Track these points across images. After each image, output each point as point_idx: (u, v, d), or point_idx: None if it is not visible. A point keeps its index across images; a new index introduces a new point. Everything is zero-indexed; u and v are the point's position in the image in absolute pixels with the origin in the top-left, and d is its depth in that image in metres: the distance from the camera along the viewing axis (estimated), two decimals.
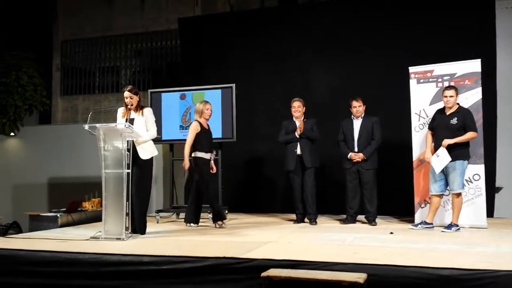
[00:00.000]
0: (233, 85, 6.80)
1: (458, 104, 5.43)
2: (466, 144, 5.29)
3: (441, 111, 5.50)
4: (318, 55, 7.50)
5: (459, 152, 5.24)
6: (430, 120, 5.68)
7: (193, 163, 5.76)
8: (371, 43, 7.20)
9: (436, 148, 5.41)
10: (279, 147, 6.32)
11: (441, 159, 5.27)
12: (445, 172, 5.32)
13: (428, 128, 5.63)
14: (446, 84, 5.83)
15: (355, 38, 7.31)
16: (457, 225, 5.21)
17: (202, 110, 5.89)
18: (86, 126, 4.74)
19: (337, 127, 6.19)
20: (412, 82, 6.05)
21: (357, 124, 6.03)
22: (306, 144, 6.03)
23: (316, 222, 6.00)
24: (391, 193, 6.56)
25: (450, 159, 5.20)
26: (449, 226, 5.22)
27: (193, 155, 5.77)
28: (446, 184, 5.37)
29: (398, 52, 6.93)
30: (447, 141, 5.22)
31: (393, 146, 6.36)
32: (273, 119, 7.03)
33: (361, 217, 6.10)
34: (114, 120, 5.22)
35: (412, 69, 6.08)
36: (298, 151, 6.03)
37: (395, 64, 6.62)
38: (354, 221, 6.03)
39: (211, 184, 5.92)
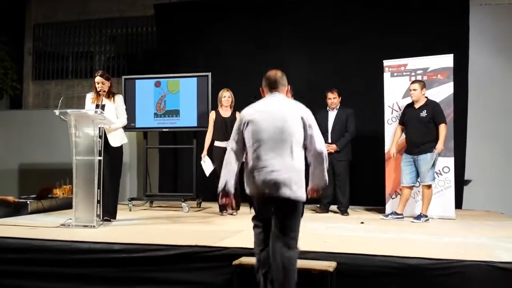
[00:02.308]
0: (209, 74, 6.75)
1: (426, 97, 5.54)
2: (434, 138, 5.40)
3: (410, 105, 5.61)
4: (295, 46, 7.49)
5: (430, 145, 5.34)
6: (400, 115, 5.77)
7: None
8: (348, 36, 7.22)
9: (408, 141, 5.50)
10: None
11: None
12: (416, 164, 5.42)
13: (399, 122, 5.73)
14: (419, 78, 5.92)
15: (333, 31, 7.32)
16: (426, 216, 5.33)
17: (220, 98, 6.06)
18: (57, 112, 4.64)
19: None
20: (386, 75, 6.12)
21: (331, 115, 6.09)
22: None
23: None
24: (364, 184, 6.66)
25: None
26: (418, 217, 5.33)
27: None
28: (417, 176, 5.48)
29: (374, 46, 6.97)
30: (439, 148, 5.31)
31: (366, 138, 6.44)
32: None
33: (333, 207, 6.17)
34: (83, 106, 5.13)
35: (386, 63, 6.15)
36: None
37: (371, 57, 6.66)
38: (327, 211, 6.11)
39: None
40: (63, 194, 6.73)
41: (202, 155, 6.06)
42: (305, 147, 3.01)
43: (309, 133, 2.98)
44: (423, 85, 5.52)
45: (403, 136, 5.67)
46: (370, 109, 6.64)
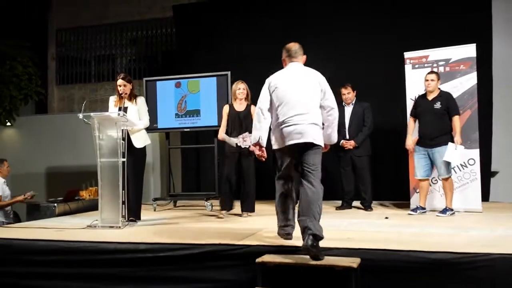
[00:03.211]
0: (228, 73, 6.78)
1: (439, 88, 5.46)
2: (450, 130, 5.32)
3: (423, 97, 5.53)
4: (314, 43, 7.42)
5: (444, 138, 5.27)
6: (412, 107, 5.67)
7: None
8: (367, 29, 7.16)
9: (422, 134, 5.43)
10: None
11: (455, 153, 5.24)
12: (431, 157, 5.35)
13: (411, 114, 5.63)
14: (441, 69, 5.84)
15: (350, 25, 7.27)
16: (451, 209, 5.25)
17: (234, 91, 5.65)
18: (81, 115, 4.72)
19: None
20: (407, 68, 6.04)
21: (348, 111, 6.04)
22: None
23: None
24: (387, 178, 6.60)
25: (457, 159, 5.25)
26: (444, 211, 5.25)
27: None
28: (432, 169, 5.40)
29: (394, 38, 6.89)
30: (459, 141, 5.20)
31: (388, 131, 6.38)
32: None
33: (357, 203, 6.13)
34: (107, 109, 5.21)
35: (407, 55, 6.06)
36: None
37: (391, 50, 6.59)
38: (350, 207, 6.07)
39: (229, 173, 5.47)
40: (89, 196, 6.87)
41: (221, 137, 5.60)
42: (321, 107, 3.66)
43: (325, 95, 3.67)
44: (439, 76, 5.44)
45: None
46: (391, 102, 6.56)
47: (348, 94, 6.01)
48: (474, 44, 5.73)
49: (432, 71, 5.58)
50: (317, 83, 3.67)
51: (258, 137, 3.73)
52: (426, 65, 5.95)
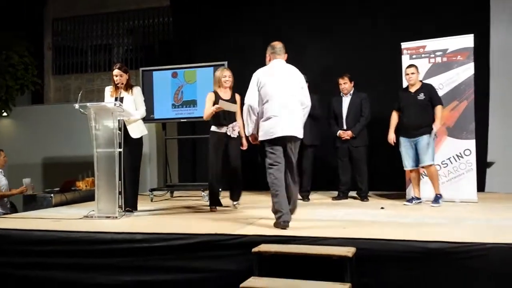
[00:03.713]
0: (225, 63, 6.70)
1: (421, 81, 5.54)
2: (432, 120, 5.38)
3: (405, 90, 5.57)
4: (312, 34, 7.43)
5: (428, 129, 5.33)
6: (396, 101, 5.67)
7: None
8: (365, 20, 7.14)
9: (406, 125, 5.47)
10: None
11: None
12: (416, 147, 5.41)
13: (395, 108, 5.65)
14: (438, 59, 5.84)
15: (348, 16, 7.25)
16: (440, 195, 5.31)
17: (219, 78, 5.32)
18: (77, 105, 4.72)
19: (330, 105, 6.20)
20: (405, 58, 6.02)
21: (346, 101, 6.05)
22: (306, 121, 5.98)
23: (309, 199, 6.05)
24: (384, 169, 6.60)
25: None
26: (436, 200, 5.28)
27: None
28: (419, 158, 5.45)
29: (392, 28, 6.88)
30: (437, 126, 5.33)
31: (385, 122, 6.35)
32: None
33: (353, 193, 6.15)
34: (103, 99, 5.19)
35: (404, 45, 6.05)
36: None
37: (389, 40, 6.57)
38: (346, 197, 6.09)
39: (216, 163, 5.26)
40: (85, 186, 6.87)
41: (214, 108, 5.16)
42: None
43: (303, 91, 4.07)
44: (417, 68, 5.52)
45: None
46: (388, 92, 6.53)
47: (345, 84, 6.01)
48: (472, 35, 5.72)
49: (411, 64, 5.63)
50: (298, 80, 4.06)
51: (251, 130, 4.08)
52: (423, 55, 5.94)
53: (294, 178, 4.05)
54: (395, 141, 5.60)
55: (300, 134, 4.02)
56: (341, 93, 6.07)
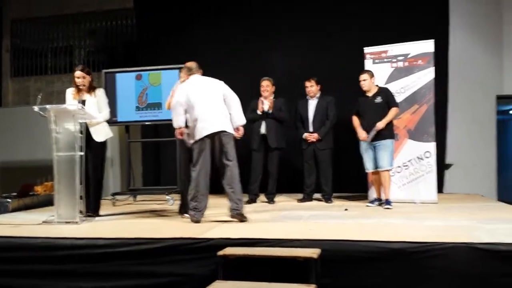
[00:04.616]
0: None
1: (377, 85, 5.67)
2: (392, 124, 5.52)
3: (364, 95, 5.67)
4: (277, 38, 7.48)
5: (387, 132, 5.44)
6: (354, 107, 5.76)
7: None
8: (328, 25, 7.24)
9: (367, 130, 5.54)
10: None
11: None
12: (375, 150, 5.50)
13: (354, 113, 5.73)
14: (400, 64, 5.98)
15: (314, 21, 7.33)
16: (390, 201, 5.39)
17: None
18: (36, 108, 4.58)
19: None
20: (368, 63, 6.14)
21: (312, 104, 6.11)
22: (272, 124, 6.02)
23: (274, 201, 6.07)
24: (347, 171, 6.70)
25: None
26: (387, 202, 5.37)
27: None
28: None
29: (356, 33, 7.00)
30: (380, 125, 5.40)
31: (350, 125, 6.46)
32: None
33: (318, 195, 6.21)
34: (64, 102, 5.05)
35: (367, 50, 6.17)
36: (263, 130, 6.02)
37: (353, 45, 6.67)
38: (310, 199, 6.14)
39: (187, 166, 4.80)
40: (44, 191, 6.65)
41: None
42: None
43: (227, 94, 4.57)
44: (372, 74, 5.64)
45: None
46: (354, 96, 6.63)
47: (311, 87, 6.07)
48: (433, 40, 5.88)
49: (364, 70, 5.75)
50: (219, 88, 4.58)
51: (178, 124, 4.55)
52: (385, 60, 6.08)
53: (224, 164, 4.45)
54: (367, 134, 5.55)
55: (227, 129, 4.44)
56: (308, 96, 6.13)
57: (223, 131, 4.41)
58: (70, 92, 5.06)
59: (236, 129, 4.56)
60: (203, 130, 4.39)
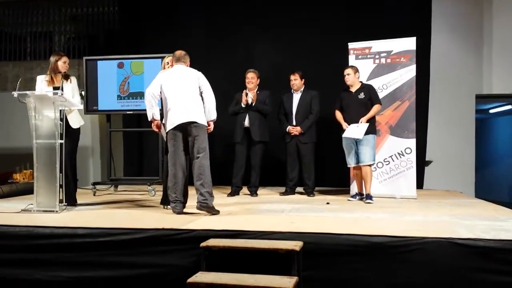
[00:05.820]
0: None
1: (361, 81, 5.71)
2: (374, 120, 5.58)
3: (346, 90, 5.72)
4: (261, 30, 7.47)
5: (369, 128, 5.48)
6: (337, 101, 5.79)
7: None
8: (312, 20, 7.25)
9: (348, 124, 5.58)
10: (225, 120, 6.05)
11: (358, 130, 5.45)
12: (357, 145, 5.55)
13: (337, 108, 5.76)
14: (383, 60, 6.04)
15: (296, 16, 7.33)
16: (371, 196, 5.45)
17: (164, 66, 5.04)
18: (15, 94, 4.48)
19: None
20: (351, 58, 6.18)
21: (296, 98, 6.12)
22: (255, 117, 6.00)
23: (257, 194, 6.08)
24: (330, 165, 6.75)
25: (361, 136, 5.43)
26: (368, 197, 5.43)
27: None
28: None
29: (341, 29, 7.02)
30: (364, 120, 5.45)
31: (332, 120, 6.50)
32: (215, 91, 6.94)
33: (300, 189, 6.24)
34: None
35: (351, 45, 6.21)
36: (246, 123, 6.00)
37: (338, 41, 6.68)
38: (293, 192, 6.17)
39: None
40: (23, 179, 6.55)
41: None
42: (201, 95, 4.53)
43: (202, 87, 4.53)
44: (356, 69, 5.68)
45: None
46: (336, 91, 6.68)
47: (295, 80, 6.07)
48: (415, 38, 5.95)
49: (348, 65, 5.80)
50: (196, 78, 4.52)
51: (152, 116, 4.55)
52: (369, 56, 6.12)
53: (194, 156, 4.43)
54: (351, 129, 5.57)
55: (198, 119, 4.40)
56: (292, 90, 6.13)
57: (194, 122, 4.38)
58: (43, 79, 4.99)
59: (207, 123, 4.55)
60: (173, 120, 4.40)
